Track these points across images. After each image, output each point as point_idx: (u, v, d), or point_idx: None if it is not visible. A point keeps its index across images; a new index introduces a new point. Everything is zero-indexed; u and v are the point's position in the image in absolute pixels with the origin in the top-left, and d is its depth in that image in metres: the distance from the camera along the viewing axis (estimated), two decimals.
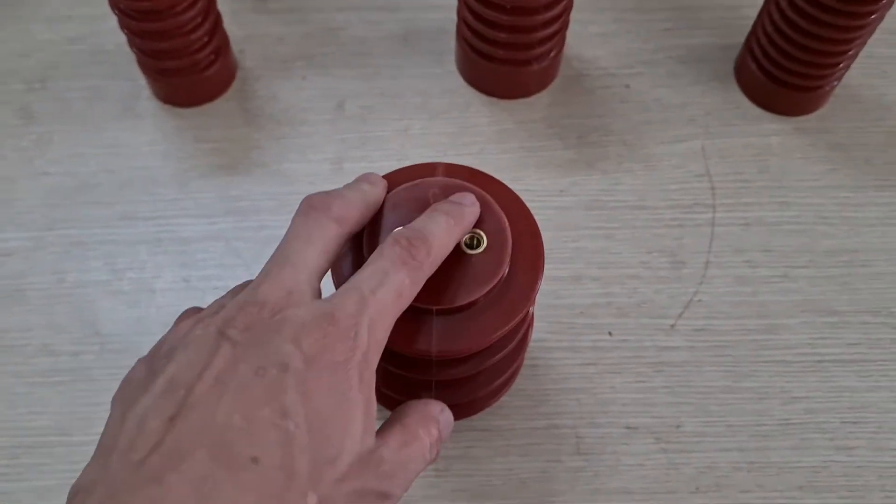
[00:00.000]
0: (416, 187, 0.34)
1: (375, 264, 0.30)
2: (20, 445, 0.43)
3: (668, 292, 0.47)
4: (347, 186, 0.34)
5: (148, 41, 0.48)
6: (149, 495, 0.24)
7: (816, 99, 0.52)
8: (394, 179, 0.35)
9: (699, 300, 0.47)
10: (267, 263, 0.31)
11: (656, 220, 0.49)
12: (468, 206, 0.33)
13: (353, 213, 0.32)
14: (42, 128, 0.52)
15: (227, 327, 0.28)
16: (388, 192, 0.34)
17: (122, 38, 0.50)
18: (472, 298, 0.32)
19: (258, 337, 0.28)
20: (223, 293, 0.46)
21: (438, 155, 0.51)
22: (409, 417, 0.31)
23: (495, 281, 0.33)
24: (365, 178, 0.34)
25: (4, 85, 0.54)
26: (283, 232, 0.47)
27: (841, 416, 0.44)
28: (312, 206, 0.32)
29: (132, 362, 0.44)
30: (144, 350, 0.45)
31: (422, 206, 0.34)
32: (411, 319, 0.32)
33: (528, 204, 0.36)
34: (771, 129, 0.53)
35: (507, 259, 0.33)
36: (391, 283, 0.29)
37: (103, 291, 0.47)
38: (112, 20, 0.49)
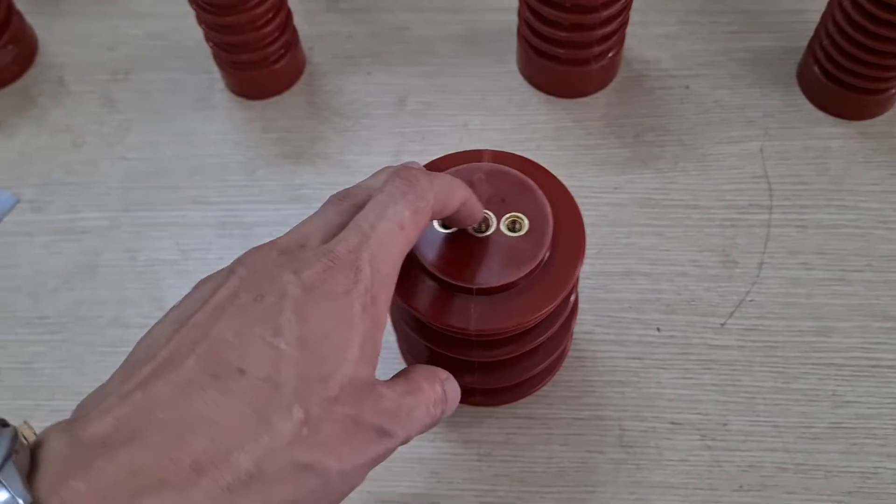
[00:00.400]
0: (460, 171, 0.35)
1: (376, 199, 0.30)
2: None
3: (720, 291, 0.47)
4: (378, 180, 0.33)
5: (222, 34, 0.51)
6: (133, 400, 0.25)
7: (880, 103, 0.51)
8: (441, 165, 0.36)
9: (751, 300, 0.47)
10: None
11: (709, 220, 0.49)
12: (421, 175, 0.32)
13: (433, 200, 0.31)
14: (123, 116, 0.56)
15: (236, 265, 0.30)
16: None
17: (200, 34, 0.53)
18: (511, 279, 0.33)
19: (262, 271, 0.29)
20: None
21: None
22: (415, 373, 0.32)
23: (535, 263, 0.34)
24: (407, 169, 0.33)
25: (91, 75, 0.57)
26: None
27: (894, 423, 0.43)
28: (399, 176, 0.31)
29: None
30: None
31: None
32: (451, 298, 0.33)
33: (582, 200, 0.37)
34: (832, 133, 0.52)
35: (548, 242, 0.34)
36: (391, 216, 0.29)
37: (171, 270, 0.50)
38: (191, 18, 0.52)
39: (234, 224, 0.51)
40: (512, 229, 0.34)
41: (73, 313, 0.49)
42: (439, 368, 0.33)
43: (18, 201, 0.53)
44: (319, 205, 0.53)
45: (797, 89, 0.54)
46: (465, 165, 0.36)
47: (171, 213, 0.52)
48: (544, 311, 0.34)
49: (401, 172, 0.31)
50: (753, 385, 0.45)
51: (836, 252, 0.48)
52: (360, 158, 0.53)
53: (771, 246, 0.48)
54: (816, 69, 0.52)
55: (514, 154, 0.37)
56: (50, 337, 0.48)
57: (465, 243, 0.34)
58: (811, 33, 0.54)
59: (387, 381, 0.31)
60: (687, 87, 0.54)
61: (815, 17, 0.55)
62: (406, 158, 0.52)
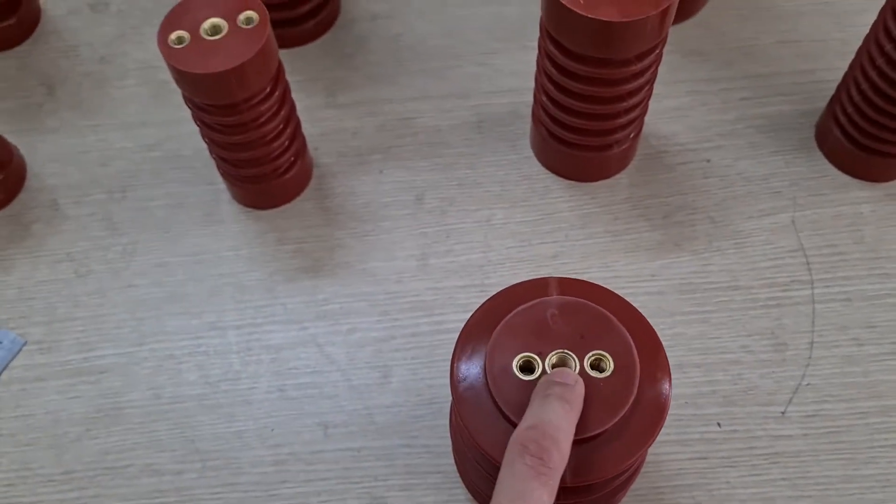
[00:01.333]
0: (532, 310, 0.34)
1: (511, 486, 0.29)
2: None
3: (774, 377, 0.46)
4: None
5: (230, 152, 0.48)
6: None
7: None
8: (505, 303, 0.35)
9: (807, 384, 0.46)
10: None
11: (752, 301, 0.48)
12: (577, 385, 0.32)
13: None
14: (126, 238, 0.53)
15: None
16: (500, 316, 0.34)
17: (198, 141, 0.51)
18: (603, 427, 0.31)
19: None
20: (318, 400, 0.46)
21: (523, 244, 0.51)
22: None
23: (626, 407, 0.32)
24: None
25: (89, 196, 0.54)
26: (375, 333, 0.47)
27: None
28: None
29: (234, 479, 0.45)
30: (245, 466, 0.45)
31: (541, 328, 0.33)
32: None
33: (619, 291, 0.35)
34: (861, 197, 0.51)
35: (637, 381, 0.32)
36: None
37: (200, 406, 0.47)
38: (186, 124, 0.49)
39: (259, 348, 0.48)
40: (597, 368, 0.33)
41: (99, 464, 0.46)
42: None
43: (25, 343, 0.49)
44: (347, 319, 0.51)
45: (819, 153, 0.53)
46: (535, 301, 0.34)
47: (190, 341, 0.49)
48: (640, 452, 0.32)
49: (529, 447, 0.29)
50: (823, 475, 0.43)
51: (885, 324, 0.47)
52: (384, 265, 0.51)
53: (818, 323, 0.47)
54: (839, 133, 0.51)
55: (582, 281, 0.36)
56: (78, 494, 0.45)
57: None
58: (825, 93, 0.53)
59: None
60: (708, 161, 0.53)
61: (825, 76, 0.55)
62: (434, 261, 0.50)
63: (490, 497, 0.36)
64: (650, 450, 0.44)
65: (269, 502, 0.44)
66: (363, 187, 0.54)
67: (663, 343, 0.47)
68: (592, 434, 0.31)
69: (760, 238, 0.50)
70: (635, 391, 0.32)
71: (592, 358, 0.33)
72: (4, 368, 0.49)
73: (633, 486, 0.43)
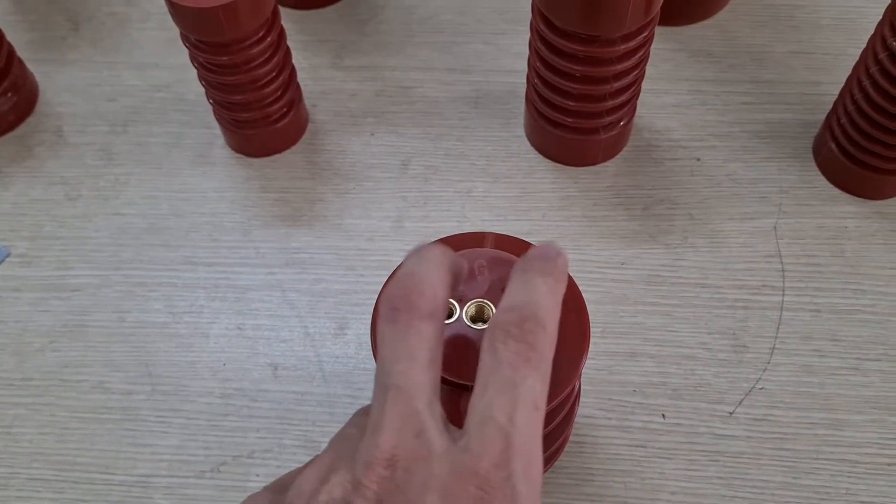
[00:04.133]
0: (462, 257, 0.34)
1: (498, 373, 0.25)
2: (66, 480, 0.44)
3: (728, 377, 0.45)
4: (418, 260, 0.28)
5: (224, 94, 0.50)
6: None
7: None
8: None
9: (761, 388, 0.45)
10: (374, 394, 0.26)
11: (719, 300, 0.48)
12: (559, 258, 0.29)
13: (442, 297, 0.28)
14: (120, 169, 0.54)
15: (356, 496, 0.24)
16: None
17: (202, 88, 0.52)
18: None
19: None
20: (273, 343, 0.47)
21: (499, 219, 0.51)
22: None
23: None
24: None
25: (92, 126, 0.56)
26: (338, 286, 0.48)
27: None
28: (396, 308, 0.27)
29: (180, 405, 0.45)
30: (192, 395, 0.46)
31: (467, 277, 0.33)
32: (452, 395, 0.32)
33: (586, 275, 0.35)
34: (848, 212, 0.50)
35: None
36: (526, 399, 0.25)
37: (160, 333, 0.48)
38: (195, 71, 0.51)
39: (226, 287, 0.50)
40: None
41: (57, 376, 0.47)
42: None
43: (9, 254, 0.51)
44: (315, 270, 0.51)
45: (813, 165, 0.52)
46: (466, 251, 0.34)
47: (163, 272, 0.50)
48: (552, 402, 0.32)
49: (511, 331, 0.26)
50: (762, 479, 0.42)
51: (851, 339, 0.46)
52: (359, 223, 0.51)
53: (783, 330, 0.47)
54: (833, 146, 0.50)
55: (517, 238, 0.36)
56: (32, 400, 0.46)
57: (461, 337, 0.32)
58: (828, 106, 0.52)
59: None
60: (698, 160, 0.53)
61: (832, 90, 0.54)
62: (408, 224, 0.51)
63: None
64: (588, 432, 0.44)
65: (209, 431, 0.45)
66: (353, 147, 0.55)
67: (620, 330, 0.47)
68: None
69: (738, 240, 0.50)
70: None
71: None
72: None
73: (565, 464, 0.43)
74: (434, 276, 0.28)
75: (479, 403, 0.25)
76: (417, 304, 0.27)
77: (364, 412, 0.30)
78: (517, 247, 0.35)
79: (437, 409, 0.26)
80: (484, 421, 0.25)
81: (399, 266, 0.30)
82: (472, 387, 0.30)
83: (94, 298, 0.50)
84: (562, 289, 0.28)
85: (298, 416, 0.45)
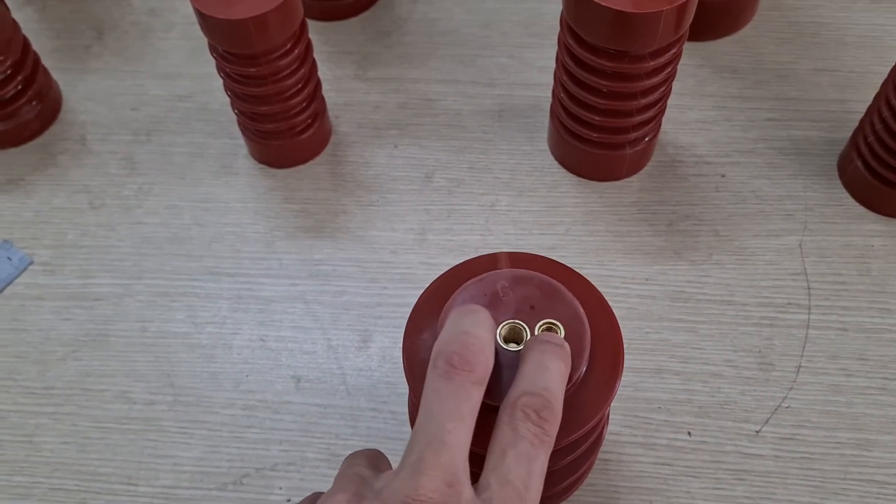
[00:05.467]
0: (482, 283, 0.34)
1: (517, 447, 0.29)
2: (88, 490, 0.44)
3: (755, 395, 0.45)
4: (473, 322, 0.31)
5: (249, 104, 0.50)
6: None
7: None
8: (456, 279, 0.35)
9: (788, 406, 0.45)
10: (415, 441, 0.29)
11: (745, 317, 0.47)
12: (565, 346, 0.32)
13: (491, 365, 0.31)
14: (143, 179, 0.54)
15: None
16: (452, 291, 0.34)
17: (226, 98, 0.52)
18: None
19: None
20: (295, 355, 0.47)
21: (523, 233, 0.51)
22: None
23: (579, 372, 0.32)
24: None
25: (115, 135, 0.56)
26: (362, 298, 0.48)
27: None
28: (454, 366, 0.30)
29: (202, 416, 0.45)
30: (215, 406, 0.46)
31: (492, 301, 0.33)
32: (488, 419, 0.31)
33: (611, 290, 0.35)
34: (874, 230, 0.50)
35: (588, 347, 0.32)
36: (538, 472, 0.29)
37: (182, 343, 0.48)
38: (218, 81, 0.51)
39: (249, 298, 0.49)
40: None
41: (79, 385, 0.47)
42: None
43: (32, 262, 0.51)
44: (338, 282, 0.51)
45: (838, 183, 0.52)
46: (484, 276, 0.34)
47: (185, 282, 0.50)
48: (584, 429, 0.32)
49: (531, 415, 0.30)
50: (788, 499, 0.42)
51: (878, 358, 0.46)
52: (382, 235, 0.51)
53: (809, 349, 0.46)
54: (860, 164, 0.50)
55: (533, 255, 0.36)
56: (53, 409, 0.46)
57: (497, 358, 0.32)
58: (853, 124, 0.52)
59: None
60: (723, 176, 0.53)
61: (858, 108, 0.53)
62: (432, 237, 0.51)
63: None
64: (614, 449, 0.44)
65: (232, 443, 0.45)
66: (376, 159, 0.54)
67: (645, 347, 0.47)
68: None
69: (764, 258, 0.49)
70: (587, 356, 0.32)
71: (544, 326, 0.32)
72: (9, 284, 0.50)
73: (591, 482, 0.43)
74: (487, 343, 0.31)
75: (500, 468, 0.29)
76: (475, 368, 0.30)
77: (357, 462, 0.33)
78: (530, 262, 0.35)
79: (468, 467, 0.29)
80: (504, 483, 0.29)
81: (450, 319, 0.32)
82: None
83: (116, 307, 0.49)
84: (568, 371, 0.31)
85: (321, 428, 0.45)
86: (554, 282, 0.33)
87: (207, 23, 0.45)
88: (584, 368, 0.32)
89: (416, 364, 0.33)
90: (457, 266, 0.36)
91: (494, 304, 0.33)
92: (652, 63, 0.44)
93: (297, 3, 0.46)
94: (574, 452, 0.35)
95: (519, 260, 0.35)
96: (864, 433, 0.44)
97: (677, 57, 0.46)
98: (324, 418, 0.45)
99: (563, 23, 0.46)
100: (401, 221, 0.52)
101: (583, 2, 0.42)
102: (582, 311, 0.33)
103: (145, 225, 0.53)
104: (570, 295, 0.33)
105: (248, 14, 0.44)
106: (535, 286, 0.33)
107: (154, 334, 0.48)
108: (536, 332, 0.32)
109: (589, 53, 0.45)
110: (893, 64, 0.47)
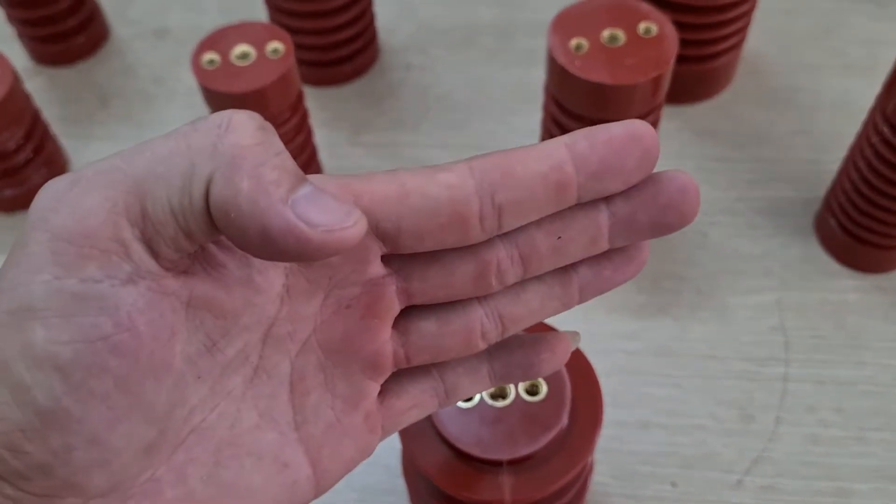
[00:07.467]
0: None
1: None
2: None
3: (736, 446, 0.46)
4: None
5: None
6: None
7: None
8: None
9: (767, 457, 0.46)
10: None
11: (726, 372, 0.49)
12: None
13: None
14: None
15: None
16: None
17: None
18: (540, 447, 0.33)
19: None
20: None
21: None
22: None
23: (560, 427, 0.33)
24: None
25: None
26: None
27: None
28: None
29: None
30: None
31: None
32: (479, 471, 0.33)
33: (595, 346, 0.37)
34: (849, 286, 0.52)
35: (568, 402, 0.34)
36: None
37: None
38: None
39: None
40: (531, 393, 0.34)
41: None
42: None
43: None
44: None
45: (815, 240, 0.54)
46: None
47: None
48: (571, 474, 0.33)
49: None
50: None
51: (854, 410, 0.47)
52: None
53: (788, 401, 0.48)
54: (833, 222, 0.52)
55: None
56: None
57: (484, 413, 0.34)
58: (827, 184, 0.55)
59: None
60: (705, 235, 0.55)
61: (831, 167, 0.56)
62: None
63: None
64: (601, 500, 0.45)
65: None
66: None
67: (631, 401, 0.48)
68: (527, 454, 0.33)
69: (744, 314, 0.51)
70: (567, 412, 0.34)
71: (528, 384, 0.34)
72: None
73: None
74: None
75: None
76: None
77: None
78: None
79: None
80: None
81: None
82: (497, 461, 0.32)
83: None
84: None
85: None
86: None
87: (210, 96, 0.47)
88: (566, 421, 0.34)
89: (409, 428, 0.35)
90: None
91: None
92: None
93: (295, 77, 0.49)
94: (559, 501, 0.36)
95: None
96: (841, 482, 0.45)
97: (655, 123, 0.48)
98: None
99: (548, 91, 0.49)
100: None
101: (563, 73, 0.45)
102: (563, 368, 0.34)
103: None
104: None
105: (248, 88, 0.46)
106: None
107: None
108: (520, 389, 0.34)
109: (571, 121, 0.47)
110: (859, 129, 0.49)
